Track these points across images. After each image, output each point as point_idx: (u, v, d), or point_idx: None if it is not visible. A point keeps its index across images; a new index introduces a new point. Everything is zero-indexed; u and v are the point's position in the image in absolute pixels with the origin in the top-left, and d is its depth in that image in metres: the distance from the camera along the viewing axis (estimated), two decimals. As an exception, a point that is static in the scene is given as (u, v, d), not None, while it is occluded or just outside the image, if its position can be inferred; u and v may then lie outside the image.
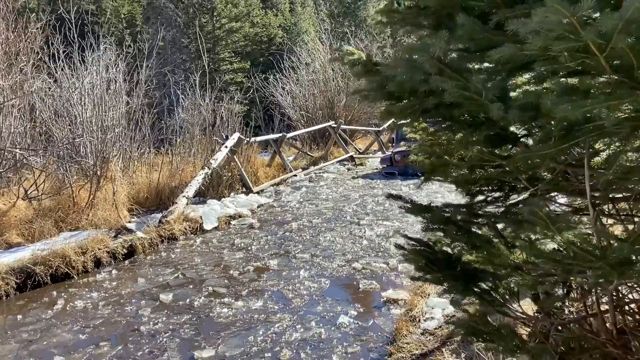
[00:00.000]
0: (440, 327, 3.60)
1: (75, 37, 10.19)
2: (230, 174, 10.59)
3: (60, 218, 7.80)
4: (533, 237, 1.88)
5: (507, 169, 1.92)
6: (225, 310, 4.62)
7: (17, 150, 8.25)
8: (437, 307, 3.93)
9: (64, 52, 9.95)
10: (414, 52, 1.70)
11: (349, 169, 14.71)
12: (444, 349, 3.07)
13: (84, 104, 9.44)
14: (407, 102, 1.89)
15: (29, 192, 8.09)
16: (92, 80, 9.94)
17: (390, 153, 13.91)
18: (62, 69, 10.11)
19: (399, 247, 2.40)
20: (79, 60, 10.21)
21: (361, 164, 15.68)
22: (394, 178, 12.44)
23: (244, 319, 4.38)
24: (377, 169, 14.19)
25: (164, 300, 5.08)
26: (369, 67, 2.01)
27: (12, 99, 8.59)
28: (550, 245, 1.88)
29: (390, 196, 2.46)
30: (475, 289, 2.15)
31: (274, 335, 3.98)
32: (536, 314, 2.26)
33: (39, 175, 8.38)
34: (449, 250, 2.25)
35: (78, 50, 10.17)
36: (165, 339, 4.12)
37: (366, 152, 18.90)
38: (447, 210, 2.21)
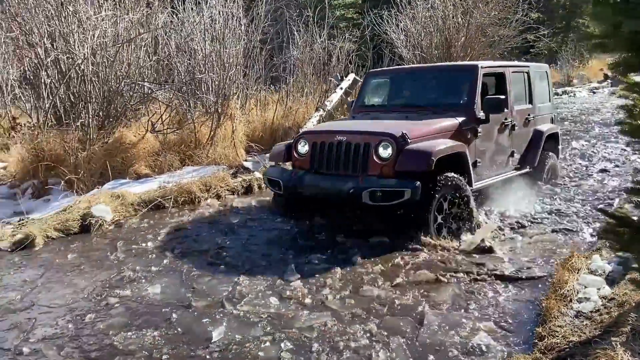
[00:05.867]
0: (597, 310, 3.18)
1: (199, -31, 10.18)
2: (342, 117, 10.35)
3: (183, 152, 8.09)
4: None
5: None
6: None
7: (146, 83, 8.55)
8: (591, 286, 3.49)
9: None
10: None
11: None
12: (611, 340, 2.67)
13: (205, 39, 9.53)
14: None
15: (155, 126, 8.42)
16: (212, 15, 9.97)
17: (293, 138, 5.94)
18: (183, 2, 10.22)
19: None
20: (202, -6, 10.22)
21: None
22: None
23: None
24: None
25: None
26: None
27: (141, 33, 8.84)
28: None
29: None
30: None
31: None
32: None
33: (165, 110, 8.69)
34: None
35: (201, -17, 10.18)
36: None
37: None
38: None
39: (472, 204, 4.93)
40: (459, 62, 6.63)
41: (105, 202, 5.93)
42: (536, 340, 2.98)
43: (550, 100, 6.98)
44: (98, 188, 6.71)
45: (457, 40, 17.98)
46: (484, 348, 3.04)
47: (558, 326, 3.01)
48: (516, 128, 6.08)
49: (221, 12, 9.95)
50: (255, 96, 10.91)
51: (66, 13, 7.78)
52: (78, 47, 7.52)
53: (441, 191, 4.69)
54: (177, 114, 9.16)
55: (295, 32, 13.65)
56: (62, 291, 4.12)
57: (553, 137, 6.78)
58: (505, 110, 5.70)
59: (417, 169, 4.57)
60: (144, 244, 5.18)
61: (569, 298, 3.35)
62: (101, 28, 7.82)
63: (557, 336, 2.90)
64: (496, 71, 6.05)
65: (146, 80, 8.63)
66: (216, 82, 8.64)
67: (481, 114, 5.43)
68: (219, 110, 8.40)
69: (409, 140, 4.71)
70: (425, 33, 18.30)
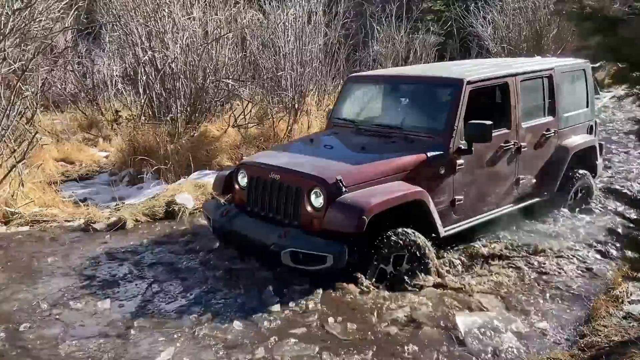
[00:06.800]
0: (648, 313, 3.14)
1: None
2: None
3: (262, 146, 8.56)
4: None
5: None
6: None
7: (230, 80, 9.11)
8: (647, 288, 3.42)
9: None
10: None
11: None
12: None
13: (287, 36, 9.92)
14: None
15: (237, 120, 8.97)
16: (295, 12, 10.35)
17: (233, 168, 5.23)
18: (269, 2, 10.69)
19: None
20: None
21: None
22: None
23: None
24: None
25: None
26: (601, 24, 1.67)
27: (228, 32, 9.41)
28: None
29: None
30: None
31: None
32: None
33: (247, 105, 9.22)
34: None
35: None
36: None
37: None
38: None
39: (431, 255, 4.04)
40: (443, 74, 5.08)
41: (188, 191, 6.48)
42: (578, 338, 3.01)
43: (588, 106, 5.68)
44: (184, 178, 7.31)
45: (549, 32, 17.21)
46: (524, 346, 3.09)
47: (602, 326, 3.03)
48: (524, 150, 4.89)
49: (304, 9, 10.31)
50: (334, 92, 11.20)
51: (162, 14, 8.51)
52: (171, 46, 8.20)
53: (385, 252, 3.82)
54: (260, 109, 9.68)
55: (376, 27, 13.77)
56: (19, 295, 4.03)
57: (588, 152, 5.59)
58: (506, 131, 4.71)
59: (343, 229, 3.66)
60: (131, 251, 5.01)
61: (620, 299, 3.32)
62: (191, 28, 8.47)
63: (600, 335, 2.92)
64: (494, 84, 4.76)
65: (231, 77, 9.19)
66: (294, 78, 9.04)
67: (463, 143, 4.30)
68: (296, 106, 8.78)
69: (344, 189, 3.77)
70: (513, 25, 17.71)
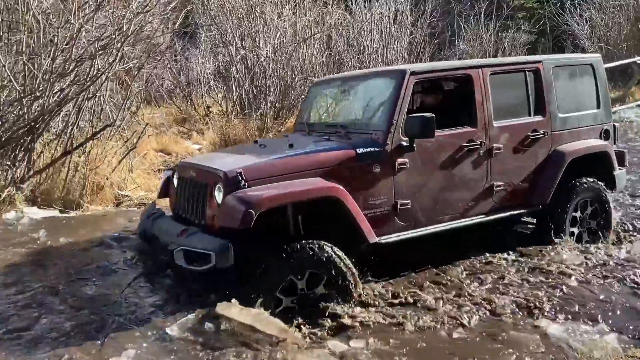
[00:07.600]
0: None
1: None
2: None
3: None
4: None
5: None
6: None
7: (315, 78, 9.43)
8: None
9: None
10: None
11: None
12: None
13: (372, 35, 10.10)
14: None
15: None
16: (381, 12, 10.49)
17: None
18: (356, 2, 10.91)
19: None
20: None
21: (670, 110, 13.09)
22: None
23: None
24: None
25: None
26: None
27: (316, 32, 9.76)
28: None
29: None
30: None
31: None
32: None
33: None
34: None
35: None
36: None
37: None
38: None
39: (351, 278, 3.43)
40: (389, 67, 4.73)
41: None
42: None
43: (600, 107, 4.93)
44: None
45: (653, 31, 16.15)
46: (620, 346, 3.05)
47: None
48: (498, 152, 4.30)
49: (391, 9, 10.44)
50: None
51: (254, 15, 8.98)
52: (262, 45, 8.66)
53: (294, 264, 3.32)
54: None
55: (463, 25, 13.57)
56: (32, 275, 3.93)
57: (599, 159, 4.81)
58: (470, 129, 4.15)
59: (230, 225, 3.36)
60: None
61: None
62: (282, 28, 8.88)
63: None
64: (452, 76, 4.30)
65: (317, 75, 9.52)
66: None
67: (405, 140, 3.82)
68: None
69: (245, 183, 3.45)
70: (613, 23, 16.78)
